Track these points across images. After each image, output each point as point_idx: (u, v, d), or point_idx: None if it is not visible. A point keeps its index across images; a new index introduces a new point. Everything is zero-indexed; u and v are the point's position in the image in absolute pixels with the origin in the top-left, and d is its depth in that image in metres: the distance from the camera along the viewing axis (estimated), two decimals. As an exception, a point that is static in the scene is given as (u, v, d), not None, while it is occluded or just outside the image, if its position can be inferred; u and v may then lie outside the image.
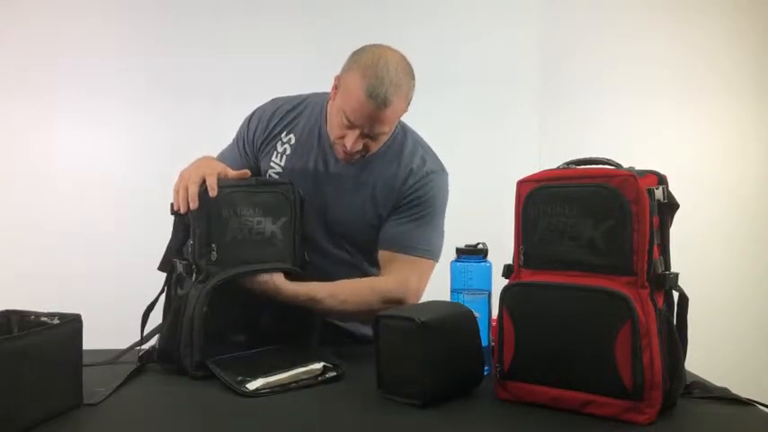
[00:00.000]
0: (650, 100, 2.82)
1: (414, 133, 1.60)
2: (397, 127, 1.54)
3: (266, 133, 1.60)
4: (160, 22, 2.73)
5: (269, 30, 2.74)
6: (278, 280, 1.33)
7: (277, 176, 1.56)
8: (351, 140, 1.42)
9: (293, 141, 1.57)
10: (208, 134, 2.63)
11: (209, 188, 1.27)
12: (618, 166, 1.08)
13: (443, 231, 1.57)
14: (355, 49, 1.47)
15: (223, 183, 1.31)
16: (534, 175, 1.11)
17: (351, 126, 1.41)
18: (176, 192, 1.30)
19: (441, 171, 1.56)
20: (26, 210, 2.69)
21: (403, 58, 1.44)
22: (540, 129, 2.80)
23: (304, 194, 1.42)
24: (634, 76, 2.81)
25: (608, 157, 1.11)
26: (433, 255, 1.53)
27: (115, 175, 2.71)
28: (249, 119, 1.65)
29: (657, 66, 2.82)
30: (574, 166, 1.11)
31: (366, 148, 1.46)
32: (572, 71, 2.83)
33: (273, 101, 1.65)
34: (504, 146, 2.75)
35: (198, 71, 2.72)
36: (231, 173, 1.35)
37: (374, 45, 1.45)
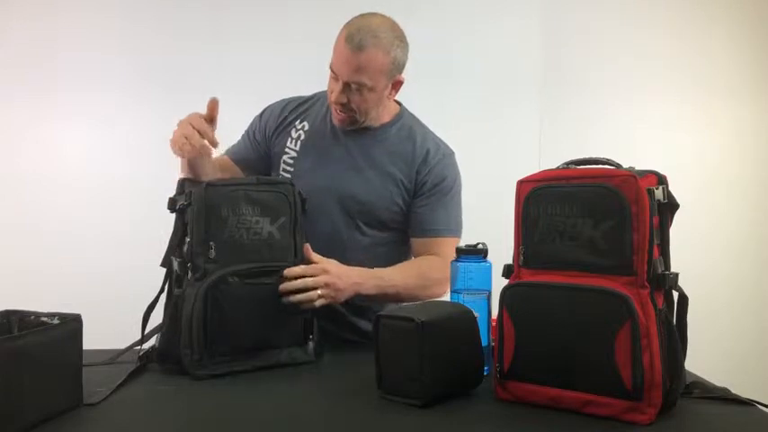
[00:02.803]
0: (650, 99, 2.82)
1: (420, 121, 1.69)
2: (404, 110, 1.66)
3: (279, 120, 1.68)
4: (161, 21, 2.73)
5: (270, 28, 2.74)
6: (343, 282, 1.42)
7: (292, 161, 1.64)
8: (336, 92, 1.50)
9: (307, 128, 1.65)
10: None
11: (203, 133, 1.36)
12: (618, 166, 1.08)
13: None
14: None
15: (223, 182, 1.33)
16: (534, 175, 1.11)
17: (335, 78, 1.50)
18: (176, 143, 1.37)
19: (453, 154, 1.67)
20: (26, 209, 2.69)
21: (392, 21, 1.53)
22: (540, 129, 2.80)
23: (306, 195, 1.44)
24: (635, 75, 2.82)
25: (608, 157, 1.11)
26: (461, 231, 1.65)
27: (115, 174, 2.71)
28: (261, 112, 1.74)
29: (658, 65, 2.83)
30: (574, 166, 1.11)
31: (351, 103, 1.52)
32: (572, 71, 2.83)
33: (284, 99, 1.74)
34: (504, 146, 2.75)
35: (199, 70, 2.72)
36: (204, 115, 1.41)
37: None
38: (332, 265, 1.41)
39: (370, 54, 1.45)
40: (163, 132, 2.73)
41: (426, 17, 2.71)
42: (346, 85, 1.50)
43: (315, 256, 1.40)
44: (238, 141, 1.74)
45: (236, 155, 1.70)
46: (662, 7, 2.84)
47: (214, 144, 1.40)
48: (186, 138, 1.36)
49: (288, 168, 1.65)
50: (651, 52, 2.82)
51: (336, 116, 1.57)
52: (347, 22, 1.51)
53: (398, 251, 1.67)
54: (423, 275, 1.55)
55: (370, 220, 1.61)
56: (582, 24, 2.83)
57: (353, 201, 1.60)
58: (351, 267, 1.46)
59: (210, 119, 1.42)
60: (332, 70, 1.50)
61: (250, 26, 2.75)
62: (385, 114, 1.63)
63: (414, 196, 1.61)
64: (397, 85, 1.58)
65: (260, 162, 1.70)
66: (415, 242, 1.64)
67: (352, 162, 1.61)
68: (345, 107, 1.53)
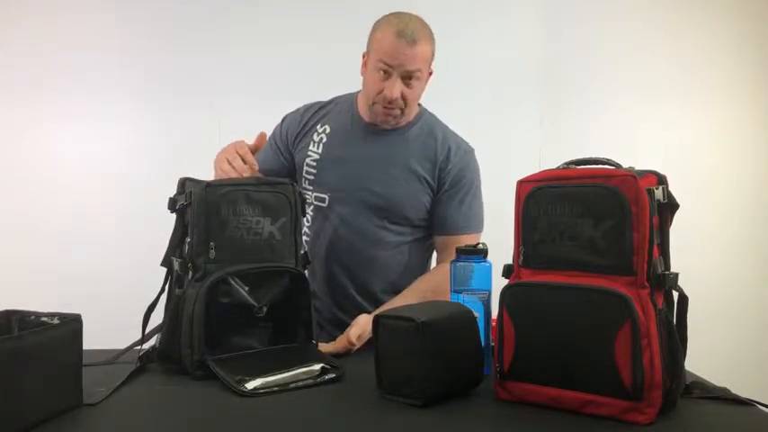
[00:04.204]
0: (651, 100, 2.82)
1: (439, 120, 1.72)
2: (424, 109, 1.70)
3: (300, 127, 1.70)
4: (160, 21, 2.73)
5: (271, 30, 2.74)
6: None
7: (315, 163, 1.66)
8: (390, 87, 1.54)
9: (329, 131, 1.67)
10: (208, 134, 2.64)
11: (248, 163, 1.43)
12: (618, 166, 1.08)
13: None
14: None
15: (223, 182, 1.33)
16: (534, 175, 1.12)
17: (388, 73, 1.53)
18: (224, 171, 1.43)
19: (474, 151, 1.71)
20: (26, 210, 2.69)
21: (421, 17, 1.59)
22: (541, 129, 2.80)
23: (324, 194, 1.47)
24: (635, 75, 2.82)
25: (608, 157, 1.11)
26: (482, 226, 1.69)
27: (115, 174, 2.71)
28: (282, 120, 1.76)
29: (658, 66, 2.82)
30: (574, 166, 1.11)
31: (404, 97, 1.56)
32: (572, 71, 2.83)
33: (303, 105, 1.76)
34: (505, 146, 2.75)
35: (199, 71, 2.72)
36: (250, 145, 1.48)
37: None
38: (360, 325, 1.45)
39: (422, 46, 1.53)
40: (163, 133, 2.76)
41: (426, 17, 2.70)
42: (401, 79, 1.54)
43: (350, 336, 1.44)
44: (265, 149, 1.74)
45: (263, 165, 1.71)
46: (662, 7, 2.84)
47: (254, 170, 1.46)
48: (229, 161, 1.43)
49: (311, 171, 1.66)
50: (651, 52, 2.82)
51: (386, 113, 1.59)
52: (385, 22, 1.56)
53: (423, 248, 1.70)
54: (438, 288, 1.55)
55: (395, 218, 1.63)
56: (582, 24, 2.83)
57: (379, 199, 1.61)
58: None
59: (255, 149, 1.49)
60: (386, 65, 1.53)
61: (251, 27, 2.75)
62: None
63: (436, 193, 1.64)
64: (429, 75, 1.62)
65: (283, 170, 1.71)
66: (438, 240, 1.67)
67: (376, 161, 1.63)
68: (396, 103, 1.56)
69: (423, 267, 1.70)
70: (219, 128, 2.57)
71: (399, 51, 1.51)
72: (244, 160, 1.43)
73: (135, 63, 2.72)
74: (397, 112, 1.59)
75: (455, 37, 2.75)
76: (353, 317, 1.58)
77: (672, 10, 2.84)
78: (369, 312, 1.61)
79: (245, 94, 2.64)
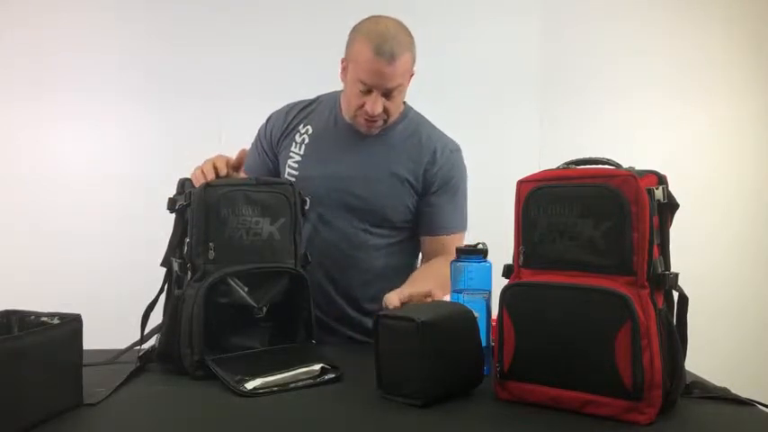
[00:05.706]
0: (651, 100, 2.82)
1: (425, 118, 1.69)
2: (409, 108, 1.66)
3: (283, 127, 1.69)
4: (161, 22, 2.74)
5: (270, 30, 2.74)
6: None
7: (296, 165, 1.64)
8: (371, 103, 1.51)
9: (311, 131, 1.66)
10: (208, 134, 2.64)
11: (218, 169, 1.34)
12: (618, 166, 1.08)
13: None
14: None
15: (223, 182, 1.32)
16: (534, 175, 1.11)
17: (368, 90, 1.50)
18: (195, 179, 1.35)
19: (459, 149, 1.68)
20: (26, 210, 2.69)
21: (398, 20, 1.54)
22: (540, 129, 2.80)
23: (305, 196, 1.44)
24: (633, 75, 2.82)
25: (608, 157, 1.11)
26: (467, 224, 1.68)
27: (115, 174, 2.72)
28: (267, 120, 1.74)
29: (658, 66, 2.83)
30: (574, 166, 1.11)
31: (386, 110, 1.54)
32: (572, 71, 2.83)
33: (287, 104, 1.74)
34: (504, 146, 2.75)
35: (199, 71, 2.73)
36: (231, 159, 1.41)
37: (368, 17, 1.54)
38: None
39: (401, 60, 1.48)
40: (163, 133, 2.76)
41: (426, 17, 2.71)
42: (383, 94, 1.51)
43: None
44: (250, 152, 1.73)
45: (248, 167, 1.70)
46: (660, 7, 2.84)
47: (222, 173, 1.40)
48: (204, 174, 1.34)
49: (293, 172, 1.65)
50: (651, 52, 2.82)
51: (368, 125, 1.57)
52: (360, 31, 1.51)
53: (409, 250, 1.68)
54: (446, 283, 1.53)
55: (376, 221, 1.62)
56: (581, 24, 2.83)
57: (359, 201, 1.60)
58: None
59: (237, 166, 1.42)
60: (363, 84, 1.49)
61: (251, 27, 2.75)
62: None
63: (422, 194, 1.62)
64: (410, 77, 1.59)
65: (270, 172, 1.70)
66: (425, 240, 1.66)
67: (357, 163, 1.61)
68: (379, 116, 1.54)
69: (408, 269, 1.68)
70: (219, 128, 2.57)
71: (379, 71, 1.47)
72: (218, 175, 1.35)
73: (135, 63, 2.72)
74: (380, 123, 1.57)
75: (454, 37, 2.76)
76: (335, 317, 1.59)
77: (670, 10, 2.84)
78: (349, 314, 1.62)
79: (245, 93, 2.64)
